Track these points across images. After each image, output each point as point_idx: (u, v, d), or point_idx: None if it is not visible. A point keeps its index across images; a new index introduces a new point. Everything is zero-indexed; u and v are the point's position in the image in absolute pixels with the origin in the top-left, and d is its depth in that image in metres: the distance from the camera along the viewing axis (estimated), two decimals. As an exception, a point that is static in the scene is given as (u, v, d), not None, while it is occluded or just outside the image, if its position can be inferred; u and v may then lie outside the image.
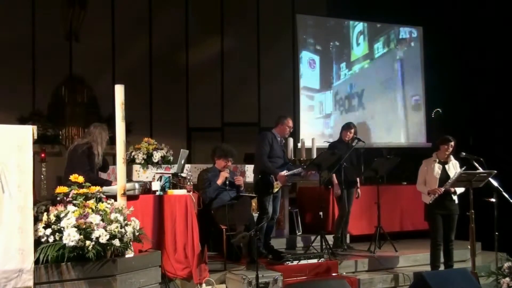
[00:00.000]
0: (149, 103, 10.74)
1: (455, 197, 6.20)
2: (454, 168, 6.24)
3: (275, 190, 6.60)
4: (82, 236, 4.19)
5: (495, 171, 5.93)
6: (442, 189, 6.07)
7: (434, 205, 6.14)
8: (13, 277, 3.95)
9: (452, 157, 6.30)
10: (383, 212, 7.33)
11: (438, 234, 6.21)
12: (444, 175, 6.18)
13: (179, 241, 5.46)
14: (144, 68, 10.73)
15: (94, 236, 4.23)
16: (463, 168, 6.07)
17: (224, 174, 6.31)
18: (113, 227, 4.33)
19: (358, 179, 7.49)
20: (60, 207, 4.40)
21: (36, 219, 4.30)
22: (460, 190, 6.15)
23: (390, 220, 8.11)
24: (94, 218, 4.31)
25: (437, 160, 6.28)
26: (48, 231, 4.25)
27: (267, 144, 6.57)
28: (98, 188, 4.69)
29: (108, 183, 5.33)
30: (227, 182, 6.35)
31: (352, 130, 7.36)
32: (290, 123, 6.84)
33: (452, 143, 6.25)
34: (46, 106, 10.12)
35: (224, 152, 6.43)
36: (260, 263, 5.56)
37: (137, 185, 5.40)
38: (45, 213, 4.39)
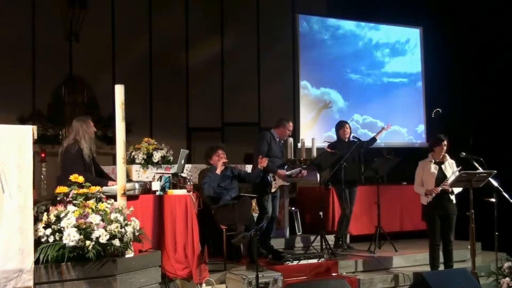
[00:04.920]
0: (149, 103, 10.72)
1: (452, 197, 6.16)
2: (450, 167, 6.20)
3: (273, 190, 6.61)
4: (82, 236, 4.19)
5: (495, 171, 5.92)
6: (439, 188, 6.04)
7: (432, 206, 6.10)
8: (13, 277, 3.95)
9: (447, 156, 6.26)
10: (383, 212, 7.33)
11: (436, 235, 6.19)
12: (441, 175, 6.14)
13: (179, 241, 5.46)
14: (144, 68, 10.71)
15: (94, 236, 4.23)
16: (459, 168, 6.06)
17: (220, 162, 6.28)
18: (113, 227, 4.33)
19: None
20: (60, 207, 4.40)
21: (36, 219, 4.30)
22: (457, 189, 6.11)
23: (390, 220, 8.11)
24: (94, 218, 4.31)
25: (433, 161, 6.23)
26: (48, 231, 4.25)
27: (265, 143, 6.64)
28: (98, 188, 4.69)
29: (103, 183, 5.18)
30: (230, 174, 6.38)
31: (348, 127, 7.37)
32: (291, 127, 6.92)
33: (445, 142, 6.21)
34: (46, 106, 10.09)
35: (210, 148, 6.53)
36: (260, 263, 5.57)
37: (137, 185, 5.39)
38: (45, 213, 4.39)
